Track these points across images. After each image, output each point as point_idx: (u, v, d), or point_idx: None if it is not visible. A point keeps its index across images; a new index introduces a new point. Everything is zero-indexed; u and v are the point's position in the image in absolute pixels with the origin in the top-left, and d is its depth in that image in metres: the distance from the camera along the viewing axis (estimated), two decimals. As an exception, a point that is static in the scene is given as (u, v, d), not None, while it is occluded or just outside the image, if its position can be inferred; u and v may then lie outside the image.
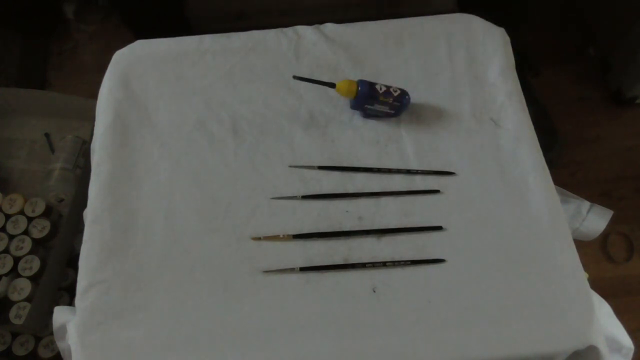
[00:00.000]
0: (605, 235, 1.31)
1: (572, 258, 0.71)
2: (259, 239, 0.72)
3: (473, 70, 0.86)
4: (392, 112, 0.80)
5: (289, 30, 0.90)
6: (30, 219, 1.11)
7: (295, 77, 0.78)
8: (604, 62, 1.56)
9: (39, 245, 1.11)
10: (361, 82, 0.78)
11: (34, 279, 1.06)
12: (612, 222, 0.95)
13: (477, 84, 0.85)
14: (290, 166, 0.78)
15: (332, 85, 0.78)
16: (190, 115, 0.82)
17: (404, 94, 0.79)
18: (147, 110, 0.83)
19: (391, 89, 0.78)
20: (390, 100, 0.78)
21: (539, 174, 0.76)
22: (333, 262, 0.71)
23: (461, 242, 0.72)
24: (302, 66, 0.87)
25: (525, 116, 0.81)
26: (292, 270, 0.70)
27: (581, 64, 1.61)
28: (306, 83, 0.85)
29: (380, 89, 0.78)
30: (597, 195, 1.41)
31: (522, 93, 0.83)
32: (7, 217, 1.10)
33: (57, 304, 0.93)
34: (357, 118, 0.82)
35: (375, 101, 0.78)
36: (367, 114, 0.81)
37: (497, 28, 0.89)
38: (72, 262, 1.10)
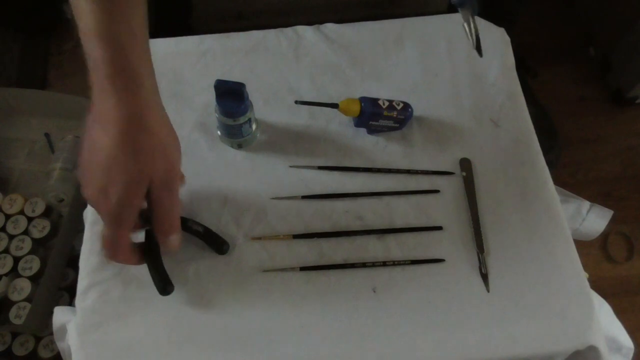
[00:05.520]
0: (605, 235, 1.30)
1: (572, 258, 0.71)
2: (259, 238, 0.72)
3: (473, 70, 0.86)
4: (397, 125, 0.79)
5: (289, 30, 0.90)
6: (30, 219, 1.11)
7: (297, 102, 0.78)
8: (604, 62, 1.56)
9: (39, 245, 1.10)
10: (364, 99, 0.77)
11: (34, 279, 1.06)
12: (612, 222, 0.95)
13: (477, 84, 0.85)
14: (291, 166, 0.78)
15: (334, 105, 0.78)
16: (190, 115, 0.82)
17: (407, 106, 0.79)
18: (147, 110, 0.82)
19: (394, 103, 0.78)
20: (394, 114, 0.78)
21: (539, 174, 0.76)
22: (333, 262, 0.71)
23: (461, 242, 0.72)
24: (302, 66, 0.87)
25: (525, 116, 0.81)
26: (292, 270, 0.70)
27: (581, 64, 1.61)
28: (306, 84, 0.85)
29: (384, 103, 0.77)
30: (597, 195, 1.41)
31: (522, 93, 0.84)
32: (7, 217, 1.10)
33: (57, 304, 0.93)
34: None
35: (380, 117, 0.77)
36: (372, 130, 0.80)
37: (497, 28, 0.89)
38: (72, 262, 1.10)
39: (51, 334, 0.82)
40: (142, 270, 0.70)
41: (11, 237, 1.09)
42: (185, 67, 0.86)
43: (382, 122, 0.79)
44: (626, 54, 1.46)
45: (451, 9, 0.73)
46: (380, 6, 1.50)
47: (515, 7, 1.45)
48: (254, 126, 0.78)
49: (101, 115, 0.53)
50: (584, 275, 0.70)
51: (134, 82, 0.52)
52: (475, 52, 0.84)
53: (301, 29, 0.90)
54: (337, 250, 0.72)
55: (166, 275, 0.68)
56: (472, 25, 0.69)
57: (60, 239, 1.08)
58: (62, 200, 1.16)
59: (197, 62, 0.87)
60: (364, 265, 0.70)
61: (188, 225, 0.71)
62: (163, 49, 0.88)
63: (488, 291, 0.68)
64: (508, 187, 0.76)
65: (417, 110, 0.81)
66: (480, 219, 0.74)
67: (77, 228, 1.11)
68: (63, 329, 0.69)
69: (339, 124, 0.82)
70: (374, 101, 0.77)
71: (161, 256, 0.69)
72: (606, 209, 0.94)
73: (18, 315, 1.02)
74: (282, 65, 0.87)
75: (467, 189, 0.76)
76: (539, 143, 0.79)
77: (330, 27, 0.90)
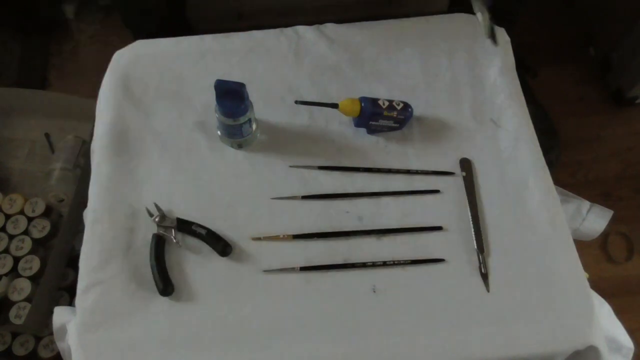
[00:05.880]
0: (605, 235, 1.30)
1: (572, 258, 0.71)
2: (259, 239, 0.72)
3: (473, 70, 0.86)
4: (397, 125, 0.80)
5: (289, 30, 0.90)
6: (30, 219, 1.11)
7: (297, 102, 0.78)
8: (604, 62, 1.56)
9: (39, 245, 1.10)
10: (364, 99, 0.77)
11: (34, 279, 1.06)
12: (612, 222, 0.95)
13: (477, 84, 0.85)
14: (291, 166, 0.78)
15: (334, 105, 0.78)
16: (190, 115, 0.82)
17: (407, 106, 0.79)
18: (147, 110, 0.83)
19: (394, 103, 0.78)
20: (394, 114, 0.78)
21: (539, 174, 0.76)
22: (333, 262, 0.71)
23: (461, 242, 0.72)
24: (302, 66, 0.87)
25: (525, 116, 0.81)
26: (292, 270, 0.70)
27: (581, 64, 1.61)
28: (306, 84, 0.85)
29: (384, 104, 0.77)
30: (597, 195, 1.41)
31: (522, 93, 0.83)
32: (7, 217, 1.10)
33: (57, 304, 0.93)
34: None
35: (380, 117, 0.77)
36: (372, 130, 0.80)
37: (497, 28, 0.89)
38: (72, 262, 1.10)
39: (51, 334, 0.82)
40: (142, 271, 0.70)
41: (11, 237, 1.09)
42: (185, 67, 0.86)
43: (382, 122, 0.79)
44: (626, 54, 1.46)
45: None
46: (380, 6, 1.50)
47: (515, 7, 1.45)
48: (254, 126, 0.78)
49: None
50: (584, 275, 0.70)
51: None
52: (475, 52, 0.84)
53: (301, 29, 0.90)
54: (337, 250, 0.72)
55: (167, 276, 0.68)
56: (485, 15, 0.69)
57: (60, 239, 1.08)
58: (62, 200, 1.16)
59: (197, 62, 0.87)
60: (364, 265, 0.70)
61: (191, 229, 0.72)
62: (163, 49, 0.89)
63: (488, 291, 0.68)
64: (508, 187, 0.76)
65: (417, 110, 0.81)
66: (480, 219, 0.74)
67: (77, 228, 1.11)
68: (63, 329, 0.69)
69: (339, 124, 0.82)
70: (374, 101, 0.77)
71: (165, 258, 0.70)
72: (606, 209, 0.94)
73: (18, 315, 1.02)
74: (282, 65, 0.87)
75: (467, 189, 0.76)
76: (539, 143, 0.79)
77: (330, 27, 0.90)
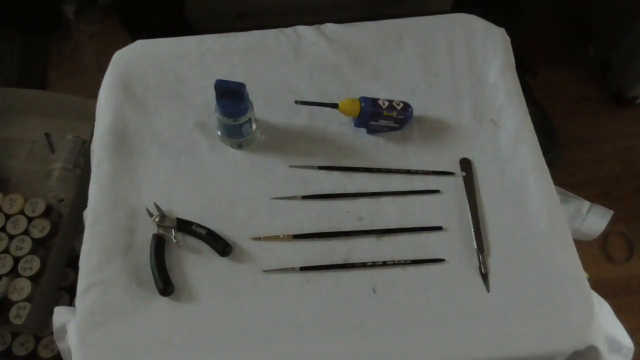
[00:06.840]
0: (605, 235, 1.30)
1: (572, 258, 0.71)
2: (259, 239, 0.72)
3: (473, 70, 0.86)
4: (397, 125, 0.80)
5: (289, 30, 0.90)
6: (30, 219, 1.11)
7: (297, 102, 0.78)
8: (604, 62, 1.56)
9: (39, 245, 1.10)
10: (364, 99, 0.77)
11: (34, 279, 1.06)
12: (612, 222, 0.95)
13: (477, 84, 0.85)
14: (291, 166, 0.78)
15: (334, 105, 0.78)
16: (190, 115, 0.82)
17: (407, 106, 0.79)
18: (147, 110, 0.83)
19: (394, 103, 0.78)
20: (395, 114, 0.78)
21: (539, 174, 0.76)
22: (333, 262, 0.71)
23: (461, 242, 0.72)
24: (302, 66, 0.87)
25: (525, 116, 0.81)
26: (292, 270, 0.70)
27: (581, 64, 1.61)
28: (306, 84, 0.85)
29: (384, 103, 0.77)
30: (597, 195, 1.41)
31: (522, 93, 0.83)
32: (7, 217, 1.10)
33: (57, 304, 0.93)
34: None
35: (380, 117, 0.77)
36: (372, 130, 0.80)
37: (497, 28, 0.89)
38: (72, 262, 1.10)
39: (51, 334, 0.82)
40: (142, 271, 0.70)
41: (11, 237, 1.09)
42: (185, 67, 0.86)
43: (382, 122, 0.79)
44: (626, 54, 1.46)
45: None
46: (380, 6, 1.50)
47: (515, 8, 1.45)
48: (254, 126, 0.78)
49: None
50: (584, 275, 0.70)
51: None
52: (475, 52, 0.84)
53: (301, 29, 0.90)
54: (337, 250, 0.72)
55: (167, 276, 0.68)
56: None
57: (60, 239, 1.08)
58: (62, 200, 1.16)
59: (197, 62, 0.87)
60: (364, 265, 0.70)
61: (191, 229, 0.72)
62: (163, 49, 0.89)
63: (488, 291, 0.68)
64: (508, 187, 0.76)
65: (417, 110, 0.81)
66: (480, 219, 0.74)
67: (77, 228, 1.11)
68: (63, 329, 0.70)
69: (339, 124, 0.82)
70: (374, 101, 0.77)
71: (164, 258, 0.70)
72: (606, 209, 0.94)
73: (18, 315, 1.02)
74: (282, 65, 0.87)
75: (467, 189, 0.76)
76: (539, 143, 0.79)
77: (330, 27, 0.90)
